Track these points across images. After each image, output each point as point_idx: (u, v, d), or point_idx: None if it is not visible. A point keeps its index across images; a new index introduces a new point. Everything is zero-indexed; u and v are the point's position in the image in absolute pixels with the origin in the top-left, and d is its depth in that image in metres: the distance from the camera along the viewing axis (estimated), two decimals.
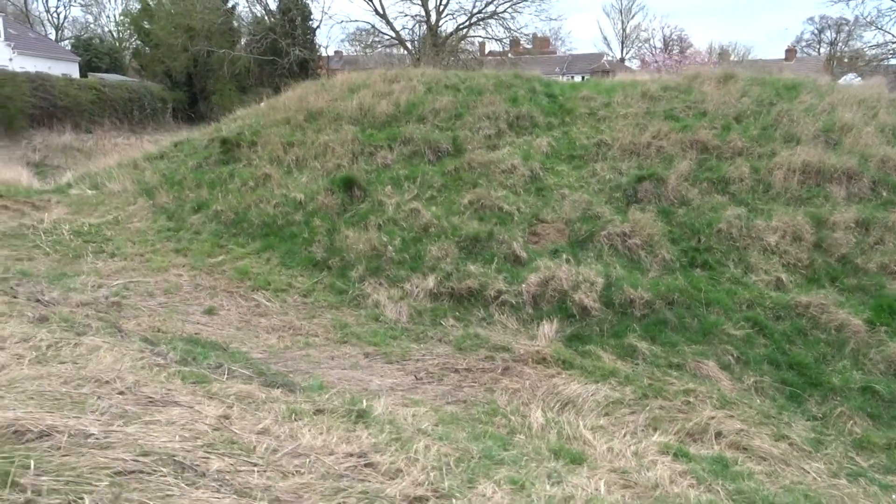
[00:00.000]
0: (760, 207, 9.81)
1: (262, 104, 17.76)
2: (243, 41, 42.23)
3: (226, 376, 5.76)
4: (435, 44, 41.88)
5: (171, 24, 38.50)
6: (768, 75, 14.65)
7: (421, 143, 12.22)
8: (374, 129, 13.27)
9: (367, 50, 43.28)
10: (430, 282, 8.77)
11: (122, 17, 53.15)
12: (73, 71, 49.00)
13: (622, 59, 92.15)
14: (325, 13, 73.99)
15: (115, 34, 68.73)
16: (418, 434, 4.99)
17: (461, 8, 42.26)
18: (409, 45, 42.57)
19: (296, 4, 41.51)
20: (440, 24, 42.68)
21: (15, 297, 7.76)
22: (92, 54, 54.66)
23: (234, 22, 43.54)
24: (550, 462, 5.21)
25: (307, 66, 41.29)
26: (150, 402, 4.31)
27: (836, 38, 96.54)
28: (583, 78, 67.82)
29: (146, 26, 42.88)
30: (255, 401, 4.97)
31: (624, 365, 7.46)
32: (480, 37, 47.91)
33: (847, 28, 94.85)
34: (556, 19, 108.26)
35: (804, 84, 13.58)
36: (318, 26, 44.41)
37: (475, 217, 10.09)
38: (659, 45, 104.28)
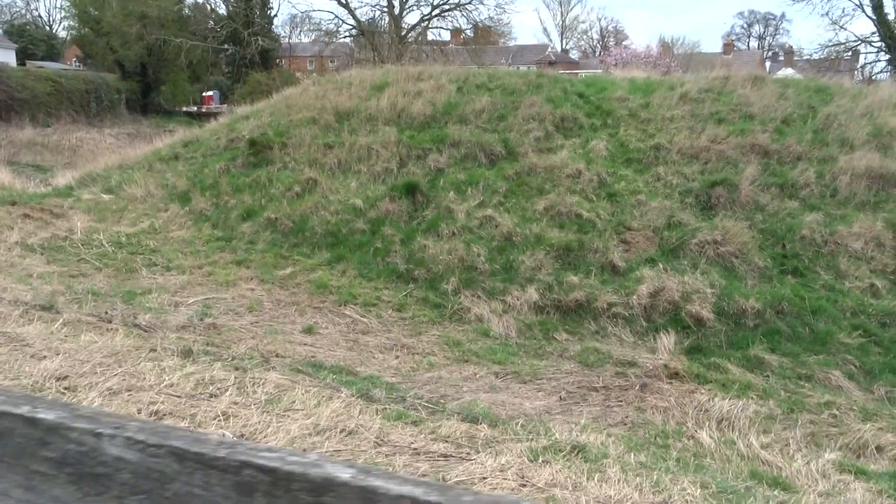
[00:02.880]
0: (833, 213, 9.95)
1: (272, 100, 17.08)
2: (201, 29, 40.64)
3: (405, 408, 5.44)
4: (399, 34, 41.31)
5: (123, 12, 36.68)
6: (796, 78, 14.94)
7: (472, 145, 11.94)
8: (413, 131, 12.91)
9: (326, 41, 42.30)
10: (533, 294, 8.55)
11: (66, 3, 50.30)
12: (10, 58, 46.36)
13: (565, 51, 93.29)
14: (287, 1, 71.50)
15: (46, 20, 65.36)
16: (640, 468, 4.81)
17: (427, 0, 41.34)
18: (373, 38, 41.76)
19: None
20: (403, 14, 42.12)
21: (110, 322, 7.19)
22: (27, 41, 51.84)
23: (188, 10, 41.92)
24: (760, 489, 5.12)
25: (268, 56, 40.11)
26: (444, 457, 3.99)
27: (764, 32, 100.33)
28: (528, 69, 68.28)
29: (92, 13, 40.77)
30: (485, 441, 4.69)
31: (755, 378, 7.43)
32: (441, 28, 47.40)
33: (774, 23, 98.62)
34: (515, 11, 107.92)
35: (832, 87, 13.89)
36: (275, 14, 43.08)
37: (554, 225, 9.90)
38: (596, 35, 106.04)
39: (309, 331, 8.07)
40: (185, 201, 12.14)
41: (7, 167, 19.45)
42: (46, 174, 22.13)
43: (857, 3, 31.85)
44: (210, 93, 46.87)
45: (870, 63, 33.32)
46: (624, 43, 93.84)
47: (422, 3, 42.61)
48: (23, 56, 51.08)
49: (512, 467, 4.02)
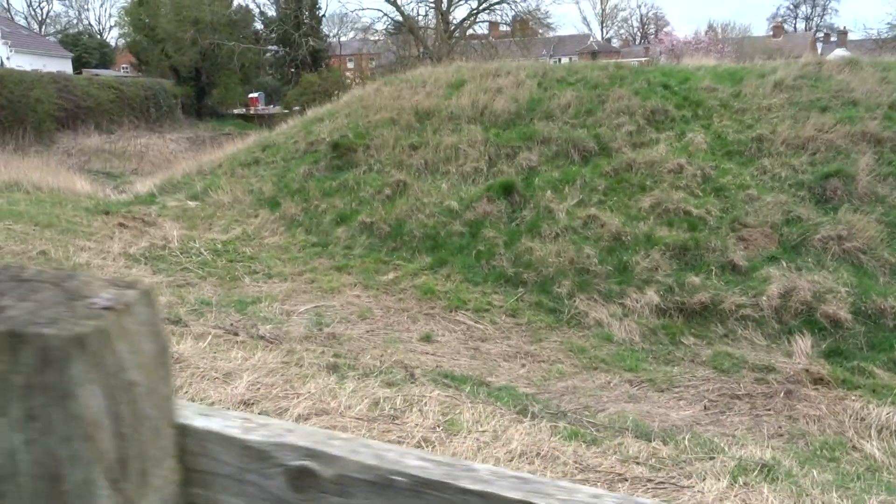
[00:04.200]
0: None
1: (342, 101, 17.00)
2: (251, 32, 40.99)
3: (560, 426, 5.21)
4: (447, 31, 41.05)
5: (177, 18, 37.12)
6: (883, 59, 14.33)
7: (563, 142, 11.64)
8: (498, 129, 12.66)
9: (378, 40, 42.27)
10: (654, 296, 8.24)
11: (120, 11, 51.18)
12: (67, 67, 47.38)
13: (607, 40, 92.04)
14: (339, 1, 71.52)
15: (96, 28, 66.71)
16: (839, 488, 4.51)
17: None
18: (419, 33, 41.57)
19: None
20: (451, 10, 41.82)
21: (237, 335, 7.11)
22: (82, 50, 52.92)
23: (235, 13, 42.20)
24: None
25: (319, 56, 40.24)
26: (659, 485, 3.75)
27: (811, 13, 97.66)
28: (570, 60, 67.46)
29: (145, 20, 41.35)
30: (674, 462, 4.44)
31: None
32: (489, 21, 46.96)
33: (822, 2, 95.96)
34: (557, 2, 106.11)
35: None
36: (324, 14, 43.21)
37: (662, 223, 9.57)
38: (636, 24, 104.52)
39: (427, 339, 7.90)
40: (274, 206, 12.09)
41: (83, 175, 19.75)
42: (117, 181, 22.46)
43: None
44: (255, 94, 47.30)
45: None
46: (665, 29, 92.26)
47: None
48: (78, 64, 52.20)
49: (732, 494, 3.77)
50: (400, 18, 41.34)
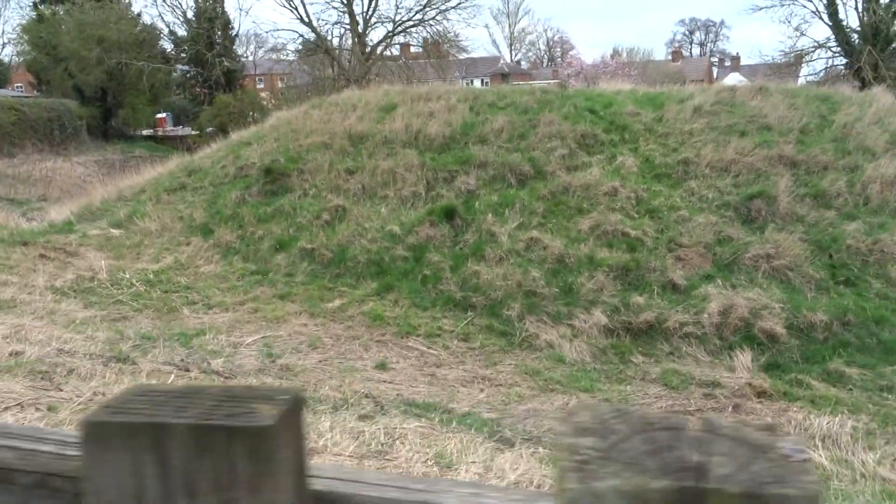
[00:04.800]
0: (871, 221, 10.14)
1: (268, 125, 16.71)
2: (160, 52, 39.74)
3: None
4: (363, 52, 41.08)
5: (81, 36, 35.56)
6: (779, 86, 15.30)
7: (499, 166, 11.85)
8: (433, 153, 12.76)
9: (292, 60, 41.84)
10: (601, 317, 8.47)
11: (16, 28, 48.58)
12: None
13: (517, 62, 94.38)
14: (250, 20, 69.97)
15: None
16: None
17: (388, 16, 41.19)
18: (335, 54, 41.39)
19: (215, 14, 39.49)
20: (367, 32, 41.92)
21: (188, 371, 6.87)
22: None
23: (144, 32, 40.82)
24: None
25: (233, 77, 39.42)
26: None
27: (705, 39, 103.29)
28: (482, 82, 68.77)
29: (45, 38, 39.41)
30: None
31: (840, 392, 7.47)
32: (403, 43, 47.30)
33: (715, 29, 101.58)
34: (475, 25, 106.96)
35: (833, 95, 14.26)
36: (236, 34, 42.42)
37: (602, 244, 9.86)
38: (543, 46, 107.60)
39: (382, 367, 7.83)
40: (207, 233, 11.73)
41: None
42: (24, 207, 21.28)
43: (815, 10, 32.90)
44: (163, 115, 45.88)
45: (828, 67, 34.41)
46: (571, 52, 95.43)
47: (384, 20, 42.48)
48: None
49: None
50: (315, 39, 41.12)
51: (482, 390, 7.39)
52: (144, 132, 44.01)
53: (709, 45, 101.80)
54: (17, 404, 4.40)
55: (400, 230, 10.67)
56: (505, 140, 12.74)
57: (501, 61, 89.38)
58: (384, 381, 7.46)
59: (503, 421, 6.54)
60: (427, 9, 41.17)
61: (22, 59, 56.58)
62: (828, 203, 10.54)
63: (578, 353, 8.17)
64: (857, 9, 32.19)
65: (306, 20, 40.16)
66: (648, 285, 8.97)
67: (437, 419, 5.81)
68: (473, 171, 11.92)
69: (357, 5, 41.07)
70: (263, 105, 37.55)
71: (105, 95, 38.15)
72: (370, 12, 41.35)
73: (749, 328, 8.21)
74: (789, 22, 35.50)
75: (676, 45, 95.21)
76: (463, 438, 5.01)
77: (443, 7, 41.49)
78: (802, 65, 36.92)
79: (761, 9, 34.10)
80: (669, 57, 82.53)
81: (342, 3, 40.07)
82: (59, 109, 31.79)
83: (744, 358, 7.88)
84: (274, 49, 47.70)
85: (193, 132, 42.55)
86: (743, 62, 71.45)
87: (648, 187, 11.14)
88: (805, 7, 33.39)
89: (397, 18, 42.91)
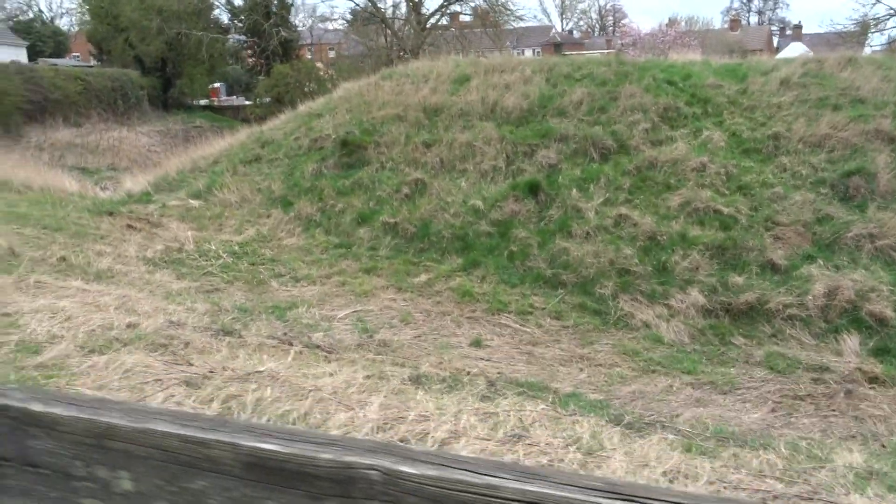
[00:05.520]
0: None
1: (336, 95, 16.65)
2: (218, 22, 40.02)
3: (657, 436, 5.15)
4: (419, 22, 40.69)
5: (142, 6, 35.97)
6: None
7: (581, 140, 11.60)
8: (511, 125, 12.55)
9: (345, 30, 41.70)
10: (698, 297, 8.26)
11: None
12: (21, 56, 45.66)
13: (570, 32, 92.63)
14: None
15: (48, 16, 64.39)
16: None
17: None
18: (390, 24, 41.09)
19: None
20: (422, 1, 41.43)
21: (291, 344, 6.89)
22: (35, 38, 51.03)
23: (203, 2, 41.10)
24: None
25: (289, 46, 39.49)
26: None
27: (763, 6, 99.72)
28: (534, 52, 67.63)
29: (106, 8, 39.95)
30: (802, 472, 4.41)
31: None
32: (449, 13, 46.63)
33: None
34: None
35: None
36: (292, 3, 42.39)
37: (694, 222, 9.59)
38: (595, 15, 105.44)
39: (477, 344, 7.78)
40: (287, 206, 11.78)
41: (60, 172, 19.01)
42: (95, 177, 21.73)
43: None
44: (217, 85, 46.30)
45: None
46: (623, 21, 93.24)
47: None
48: (31, 53, 50.32)
49: None
50: (370, 8, 40.84)
51: (582, 370, 7.29)
52: (202, 102, 44.60)
53: (767, 13, 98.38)
54: (156, 380, 4.44)
55: (483, 205, 10.55)
56: (584, 113, 12.46)
57: (553, 31, 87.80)
58: (482, 359, 7.41)
59: (611, 402, 6.44)
60: None
61: (79, 28, 57.58)
62: None
63: (676, 333, 7.99)
64: None
65: None
66: (746, 265, 8.70)
67: (549, 400, 5.73)
68: (554, 145, 11.69)
69: None
70: (320, 76, 37.57)
71: (164, 65, 38.67)
72: None
73: (856, 311, 7.91)
74: None
75: (734, 13, 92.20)
76: (589, 422, 4.91)
77: None
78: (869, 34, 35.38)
79: None
80: (726, 26, 79.95)
81: None
82: (122, 80, 32.33)
83: (851, 342, 7.60)
84: (323, 18, 47.66)
85: (247, 102, 42.95)
86: (806, 31, 68.88)
87: (738, 163, 10.78)
88: None
89: None
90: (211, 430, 0.67)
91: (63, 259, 8.67)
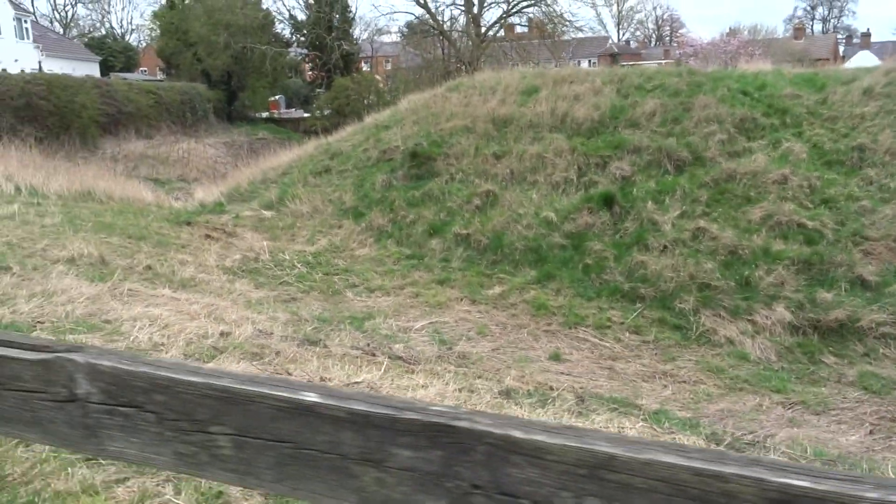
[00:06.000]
0: None
1: (403, 107, 16.80)
2: (274, 35, 40.93)
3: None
4: (478, 34, 40.83)
5: (210, 22, 37.05)
6: None
7: (654, 151, 11.42)
8: (582, 137, 12.45)
9: (399, 42, 42.11)
10: (784, 313, 8.01)
11: (149, 15, 51.24)
12: (94, 71, 47.42)
13: (627, 42, 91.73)
14: (367, 2, 70.99)
15: (119, 31, 66.82)
16: None
17: None
18: (448, 36, 41.36)
19: None
20: (482, 13, 41.61)
21: (374, 355, 6.93)
22: (107, 53, 53.00)
23: (263, 17, 42.11)
24: None
25: (350, 60, 40.12)
26: None
27: (828, 14, 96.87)
28: (590, 63, 67.08)
29: (175, 24, 41.30)
30: None
31: None
32: (518, 24, 46.69)
33: (839, 4, 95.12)
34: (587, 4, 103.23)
35: None
36: (353, 17, 43.08)
37: (777, 236, 9.33)
38: (652, 25, 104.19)
39: (556, 358, 7.69)
40: (358, 217, 11.91)
41: (136, 182, 19.64)
42: (166, 187, 22.39)
43: None
44: (276, 98, 47.29)
45: None
46: (680, 31, 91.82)
47: (499, 1, 42.00)
48: (103, 68, 52.28)
49: None
50: (428, 20, 41.18)
51: (666, 386, 7.14)
52: (263, 114, 45.60)
53: (832, 20, 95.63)
54: None
55: (556, 217, 10.47)
56: (658, 124, 12.28)
57: (610, 41, 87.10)
58: (562, 373, 7.32)
59: (700, 420, 6.28)
60: None
61: (146, 44, 59.55)
62: None
63: (762, 350, 7.76)
64: None
65: (422, 1, 40.23)
66: (835, 281, 8.41)
67: (641, 417, 5.62)
68: (627, 157, 11.55)
69: None
70: (380, 88, 38.05)
71: (230, 79, 39.68)
72: None
73: None
74: None
75: (798, 21, 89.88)
76: (688, 441, 4.80)
77: None
78: None
79: None
80: (790, 34, 77.97)
81: None
82: (191, 93, 33.29)
83: None
84: (380, 31, 48.25)
85: (305, 114, 43.71)
86: (874, 40, 66.77)
87: (821, 175, 10.46)
88: None
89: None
90: (732, 464, 0.66)
91: (149, 268, 8.93)
